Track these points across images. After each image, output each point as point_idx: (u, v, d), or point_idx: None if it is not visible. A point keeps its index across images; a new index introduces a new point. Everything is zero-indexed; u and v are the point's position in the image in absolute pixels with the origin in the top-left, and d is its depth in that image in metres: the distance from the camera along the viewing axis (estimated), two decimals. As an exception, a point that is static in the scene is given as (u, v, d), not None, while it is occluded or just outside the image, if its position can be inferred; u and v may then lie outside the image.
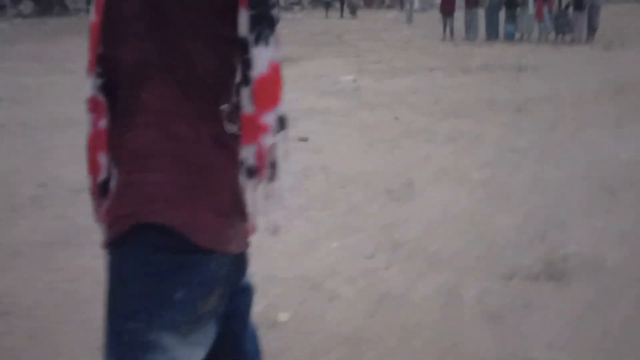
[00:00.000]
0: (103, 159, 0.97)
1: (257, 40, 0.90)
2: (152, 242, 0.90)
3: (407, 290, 2.54)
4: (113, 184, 0.95)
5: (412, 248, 2.98)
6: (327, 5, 26.59)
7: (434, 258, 2.87)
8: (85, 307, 2.26)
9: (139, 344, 0.91)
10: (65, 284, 2.58)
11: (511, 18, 15.30)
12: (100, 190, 0.99)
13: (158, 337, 0.90)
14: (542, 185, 3.96)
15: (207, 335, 0.97)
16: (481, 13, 15.80)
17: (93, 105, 0.97)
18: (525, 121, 5.97)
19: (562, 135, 5.32)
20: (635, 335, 2.20)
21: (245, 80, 0.92)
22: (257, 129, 0.92)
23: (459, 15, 15.88)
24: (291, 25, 16.87)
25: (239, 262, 1.06)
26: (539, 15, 14.98)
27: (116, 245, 0.93)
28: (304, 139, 5.01)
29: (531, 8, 15.22)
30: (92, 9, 0.94)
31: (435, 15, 16.97)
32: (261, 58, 0.90)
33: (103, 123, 0.96)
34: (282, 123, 0.94)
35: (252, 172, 0.94)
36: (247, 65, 0.91)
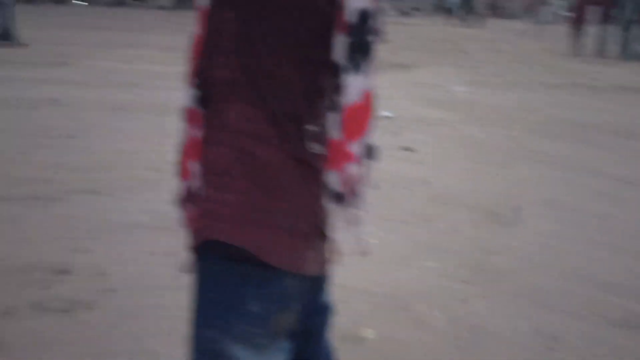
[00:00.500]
0: (193, 167, 0.99)
1: (351, 68, 0.88)
2: (227, 255, 0.90)
3: (504, 326, 2.37)
4: (197, 194, 0.97)
5: (513, 280, 2.79)
6: (450, 12, 25.94)
7: (536, 294, 2.66)
8: (168, 293, 2.33)
9: (213, 353, 0.92)
10: (159, 267, 2.68)
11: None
12: (187, 197, 1.02)
13: (232, 349, 0.90)
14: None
15: (281, 354, 0.96)
16: (615, 29, 14.63)
17: (190, 116, 1.00)
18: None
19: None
20: None
21: (334, 106, 0.91)
22: (342, 156, 0.91)
23: (593, 29, 14.81)
24: (409, 31, 16.65)
25: (318, 281, 1.05)
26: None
27: (196, 253, 0.95)
28: (408, 149, 4.90)
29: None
30: (196, 22, 0.97)
31: (566, 28, 15.97)
32: (353, 86, 0.88)
33: (197, 133, 0.98)
34: (369, 152, 0.93)
35: (337, 198, 0.94)
36: (337, 91, 0.90)
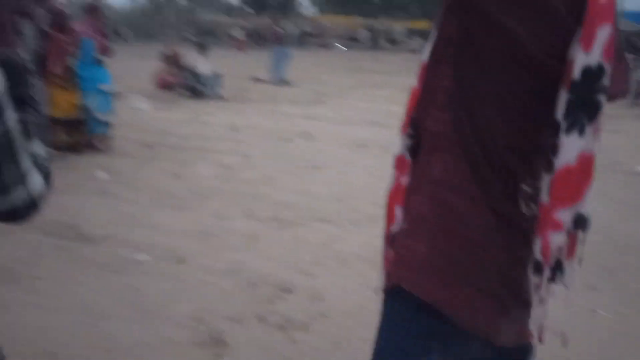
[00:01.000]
0: (399, 212, 1.00)
1: (570, 128, 0.79)
2: (414, 304, 0.89)
3: None
4: (396, 238, 0.98)
5: None
6: None
7: None
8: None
9: None
10: (371, 301, 2.71)
11: None
12: (390, 240, 1.03)
13: None
14: None
15: None
16: None
17: (399, 163, 1.02)
18: None
19: None
20: None
21: (548, 167, 0.83)
22: (547, 222, 0.82)
23: None
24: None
25: (519, 354, 0.96)
26: None
27: (386, 294, 0.96)
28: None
29: None
30: (415, 77, 0.98)
31: None
32: (569, 147, 0.80)
33: (404, 180, 0.99)
34: (579, 222, 0.82)
35: (536, 267, 0.86)
36: (553, 151, 0.81)
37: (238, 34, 26.56)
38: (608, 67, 0.78)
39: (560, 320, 0.89)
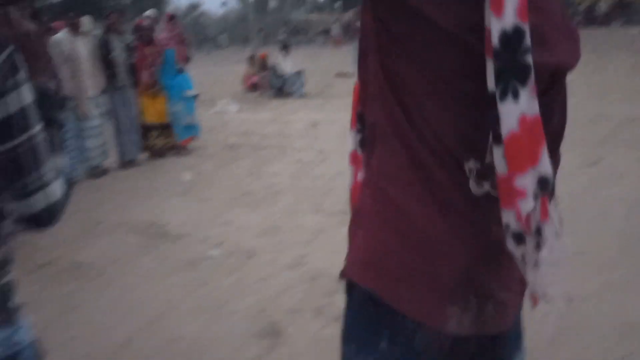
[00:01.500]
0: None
1: (503, 95, 0.75)
2: (366, 293, 0.91)
3: None
4: (349, 232, 0.99)
5: None
6: None
7: None
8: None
9: None
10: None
11: None
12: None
13: None
14: None
15: None
16: None
17: (353, 158, 1.04)
18: None
19: None
20: None
21: (498, 138, 0.78)
22: (512, 193, 0.79)
23: None
24: None
25: (491, 342, 0.93)
26: None
27: (345, 284, 0.98)
28: None
29: None
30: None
31: None
32: (508, 114, 0.76)
33: (360, 175, 1.00)
34: (543, 185, 0.78)
35: (517, 238, 0.82)
36: (495, 122, 0.78)
37: (334, 30, 26.78)
38: (525, 27, 0.75)
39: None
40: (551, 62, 0.79)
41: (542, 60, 0.78)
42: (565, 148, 0.91)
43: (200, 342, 2.53)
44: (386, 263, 0.87)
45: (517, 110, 0.76)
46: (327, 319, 2.63)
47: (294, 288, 2.97)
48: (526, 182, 0.78)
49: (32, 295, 2.98)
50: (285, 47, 11.06)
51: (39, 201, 0.92)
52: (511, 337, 0.97)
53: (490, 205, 0.84)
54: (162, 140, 6.30)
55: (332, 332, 2.51)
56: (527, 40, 0.75)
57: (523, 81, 0.76)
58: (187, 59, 6.63)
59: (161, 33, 6.42)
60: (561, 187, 0.90)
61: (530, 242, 0.80)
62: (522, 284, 0.90)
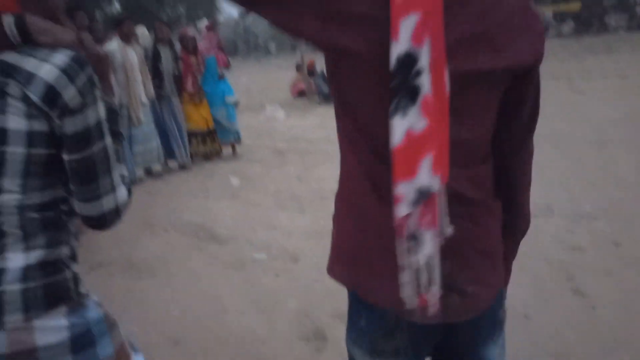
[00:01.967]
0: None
1: (394, 111, 0.85)
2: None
3: None
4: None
5: None
6: None
7: None
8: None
9: (346, 342, 1.13)
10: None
11: None
12: None
13: (351, 348, 1.11)
14: None
15: None
16: None
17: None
18: None
19: None
20: None
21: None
22: (395, 197, 0.89)
23: None
24: None
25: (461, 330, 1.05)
26: None
27: None
28: None
29: None
30: None
31: None
32: (396, 129, 0.85)
33: None
34: (422, 194, 0.87)
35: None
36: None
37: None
38: (418, 52, 0.82)
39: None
40: (500, 65, 0.88)
41: (492, 65, 0.87)
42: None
43: (248, 342, 2.59)
44: (349, 257, 1.03)
45: (403, 125, 0.85)
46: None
47: (337, 292, 2.99)
48: (404, 190, 0.87)
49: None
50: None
51: (108, 203, 1.03)
52: (483, 326, 1.06)
53: None
54: (206, 147, 6.47)
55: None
56: (420, 63, 0.83)
57: (413, 100, 0.84)
58: (227, 64, 6.84)
59: (201, 41, 6.63)
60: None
61: (400, 244, 0.89)
62: (499, 278, 1.03)
